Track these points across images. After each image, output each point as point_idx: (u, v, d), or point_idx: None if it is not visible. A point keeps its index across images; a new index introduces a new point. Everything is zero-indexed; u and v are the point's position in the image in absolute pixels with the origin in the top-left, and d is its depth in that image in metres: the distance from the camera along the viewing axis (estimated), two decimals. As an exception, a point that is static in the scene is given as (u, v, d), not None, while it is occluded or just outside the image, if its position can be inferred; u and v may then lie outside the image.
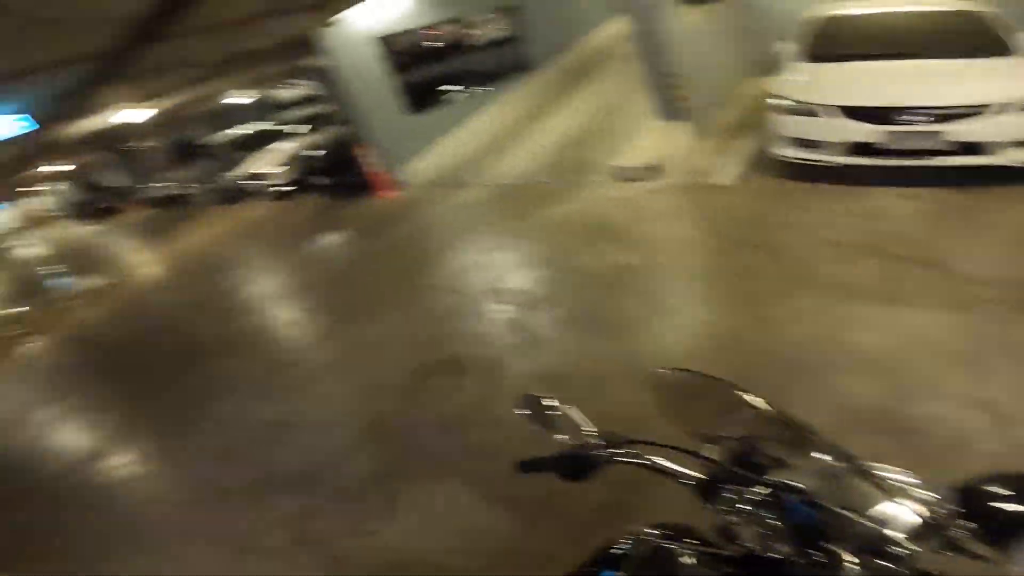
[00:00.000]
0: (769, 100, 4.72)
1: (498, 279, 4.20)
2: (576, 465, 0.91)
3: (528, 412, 1.03)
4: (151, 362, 5.00)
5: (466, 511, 2.37)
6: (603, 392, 2.73)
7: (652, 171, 5.30)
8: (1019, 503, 1.02)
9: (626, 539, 0.87)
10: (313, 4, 5.89)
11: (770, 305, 3.10)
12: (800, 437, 0.86)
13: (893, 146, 3.96)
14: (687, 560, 0.79)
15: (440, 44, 10.42)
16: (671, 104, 6.23)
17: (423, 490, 2.55)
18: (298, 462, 3.00)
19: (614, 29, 7.05)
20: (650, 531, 0.86)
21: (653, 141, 5.94)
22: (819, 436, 0.84)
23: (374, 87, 7.58)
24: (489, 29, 12.61)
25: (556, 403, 1.01)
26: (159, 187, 14.15)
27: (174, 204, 13.29)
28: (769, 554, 0.74)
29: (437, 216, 5.92)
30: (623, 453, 0.91)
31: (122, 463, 3.55)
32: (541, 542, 2.10)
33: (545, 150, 7.15)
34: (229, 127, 13.82)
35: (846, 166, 4.23)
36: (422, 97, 8.47)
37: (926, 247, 3.32)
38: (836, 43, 4.93)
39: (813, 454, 0.82)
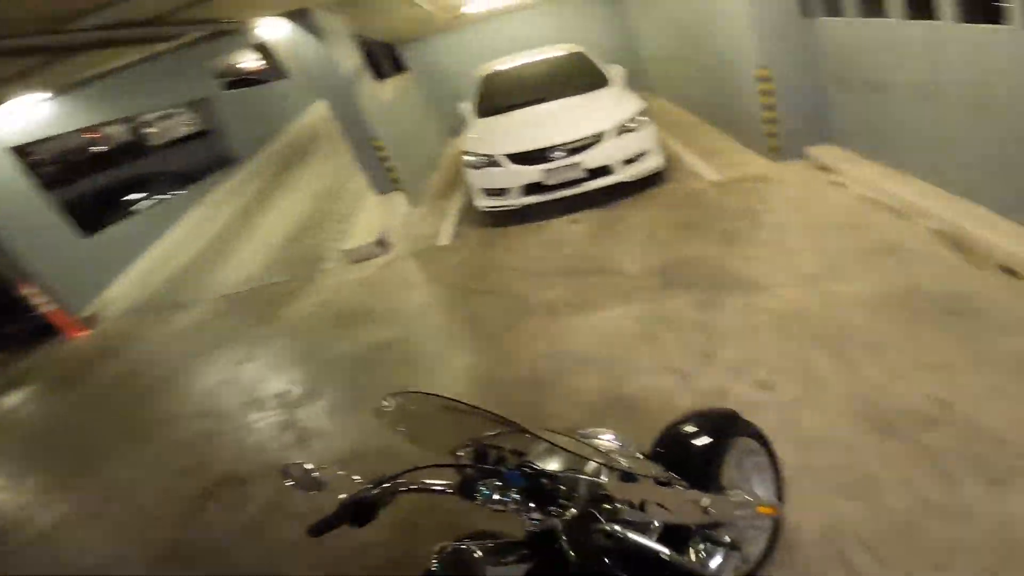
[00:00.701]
0: (462, 157, 5.42)
1: (254, 389, 3.86)
2: (359, 511, 1.02)
3: (293, 482, 1.11)
4: None
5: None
6: (395, 454, 2.74)
7: (381, 246, 5.56)
8: (698, 439, 1.43)
9: (434, 557, 0.92)
10: None
11: (506, 338, 3.58)
12: (517, 430, 1.01)
13: (552, 182, 4.93)
14: (485, 557, 0.90)
15: (110, 147, 9.12)
16: (383, 176, 6.65)
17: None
18: None
19: (321, 111, 7.17)
20: (454, 543, 0.93)
21: (375, 216, 6.24)
22: (528, 426, 0.98)
23: (20, 210, 6.00)
24: (174, 125, 11.38)
25: (313, 467, 1.10)
26: None
27: None
28: (533, 526, 0.96)
29: (156, 345, 5.08)
30: (391, 487, 1.05)
31: None
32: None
33: (270, 247, 6.82)
34: None
35: (528, 206, 5.14)
36: (96, 213, 7.14)
37: (595, 259, 4.27)
38: (496, 97, 5.78)
39: (531, 439, 1.00)
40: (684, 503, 0.86)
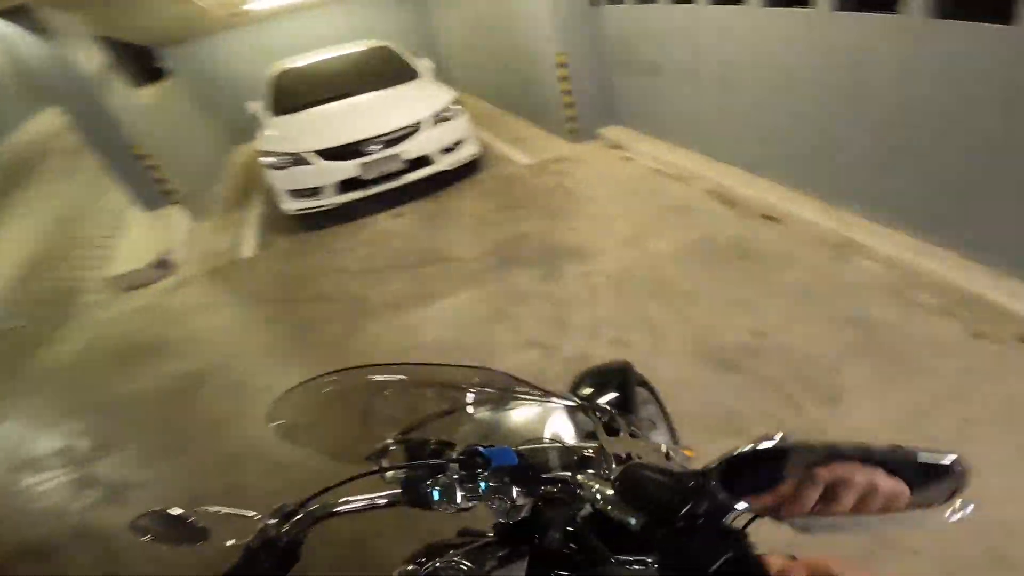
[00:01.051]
0: (259, 160, 4.78)
1: (19, 452, 2.90)
2: (270, 558, 0.72)
3: (152, 536, 0.77)
4: None
5: None
6: (242, 495, 2.26)
7: (162, 267, 4.61)
8: (608, 393, 1.40)
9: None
10: None
11: (350, 343, 3.24)
12: (452, 398, 0.88)
13: (370, 176, 4.65)
14: (460, 567, 0.73)
15: None
16: (151, 190, 5.54)
17: None
18: None
19: (46, 123, 5.60)
20: (419, 558, 0.78)
21: (147, 235, 5.16)
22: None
23: None
24: None
25: (181, 510, 0.76)
26: None
27: None
28: (509, 516, 0.75)
29: None
30: (304, 518, 0.76)
31: None
32: None
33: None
34: None
35: (345, 204, 4.77)
36: None
37: (428, 249, 4.15)
38: (296, 94, 5.29)
39: (468, 412, 0.86)
40: (652, 453, 0.83)
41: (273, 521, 0.75)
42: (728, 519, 0.54)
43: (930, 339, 2.33)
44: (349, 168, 4.61)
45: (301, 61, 5.83)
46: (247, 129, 6.49)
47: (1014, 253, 2.45)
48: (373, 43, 6.00)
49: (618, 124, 5.29)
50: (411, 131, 4.70)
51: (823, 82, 3.10)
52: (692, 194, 4.00)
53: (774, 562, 0.50)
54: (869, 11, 2.67)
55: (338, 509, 0.79)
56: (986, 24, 2.19)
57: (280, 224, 5.06)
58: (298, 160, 4.62)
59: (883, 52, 2.66)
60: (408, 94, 5.16)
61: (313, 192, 4.73)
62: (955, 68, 2.37)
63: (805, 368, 2.32)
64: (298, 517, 0.76)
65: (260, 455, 2.45)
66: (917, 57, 2.51)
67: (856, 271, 2.84)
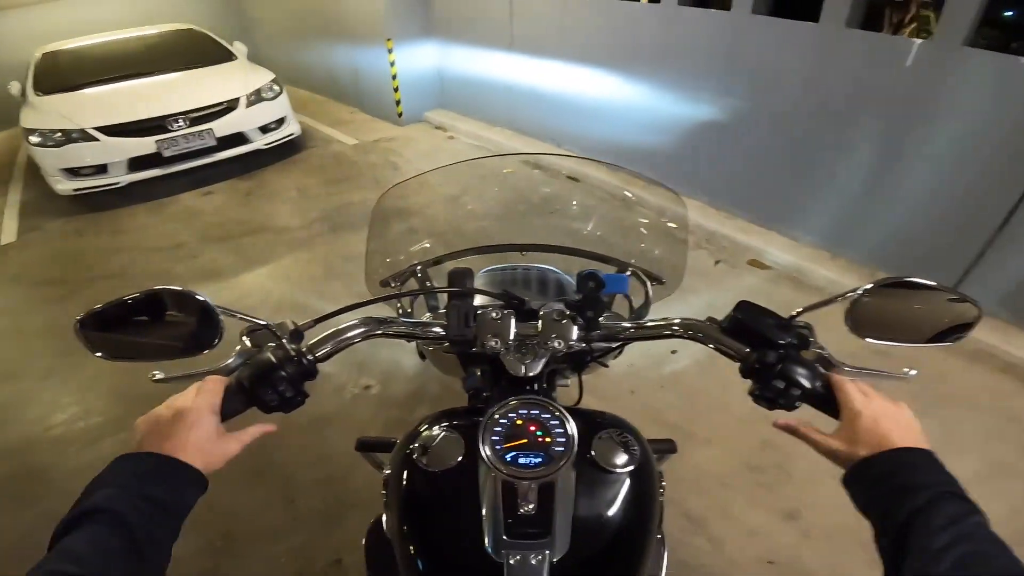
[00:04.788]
0: (28, 140, 4.10)
1: None
2: (291, 368, 0.67)
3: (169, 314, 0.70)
4: None
5: None
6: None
7: None
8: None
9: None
10: None
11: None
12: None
13: (171, 153, 4.26)
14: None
15: None
16: None
17: None
18: None
19: None
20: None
21: None
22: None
23: None
24: None
25: (205, 297, 0.68)
26: None
27: None
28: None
29: None
30: (325, 339, 0.73)
31: None
32: None
33: None
34: None
35: (143, 183, 4.26)
36: None
37: (248, 222, 3.90)
38: (74, 73, 4.77)
39: None
40: None
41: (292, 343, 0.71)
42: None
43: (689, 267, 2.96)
44: (144, 144, 4.18)
45: (81, 42, 5.25)
46: (5, 109, 5.43)
47: (764, 212, 3.25)
48: (177, 26, 5.64)
49: (443, 107, 5.56)
50: (225, 109, 4.50)
51: (626, 69, 3.70)
52: (507, 164, 4.40)
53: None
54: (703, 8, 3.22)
55: (378, 332, 0.77)
56: (798, 22, 2.73)
57: (55, 207, 4.30)
58: (79, 136, 4.09)
59: (713, 41, 3.13)
60: (222, 73, 4.93)
61: (97, 170, 4.17)
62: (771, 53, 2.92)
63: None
64: (326, 335, 0.74)
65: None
66: (742, 47, 3.01)
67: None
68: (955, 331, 0.67)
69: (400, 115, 5.46)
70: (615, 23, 3.62)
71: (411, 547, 0.68)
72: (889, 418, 0.60)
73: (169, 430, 0.59)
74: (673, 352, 2.43)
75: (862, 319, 0.67)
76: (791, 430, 0.67)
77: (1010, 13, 3.71)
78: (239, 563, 1.74)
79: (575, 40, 3.93)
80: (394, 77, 5.24)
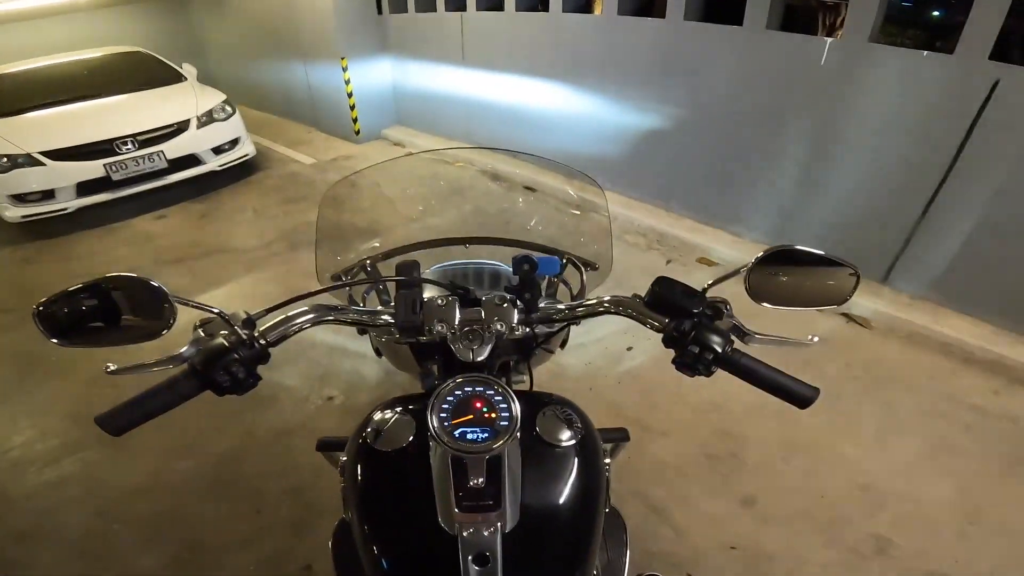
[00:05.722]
0: None
1: None
2: (244, 350, 0.68)
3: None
4: None
5: None
6: None
7: None
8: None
9: None
10: None
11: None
12: None
13: (121, 177, 4.17)
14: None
15: None
16: None
17: None
18: None
19: None
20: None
21: None
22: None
23: None
24: None
25: (159, 284, 0.70)
26: None
27: None
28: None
29: None
30: (280, 324, 0.73)
31: None
32: None
33: None
34: None
35: (92, 208, 4.16)
36: None
37: (204, 243, 3.83)
38: (12, 98, 4.62)
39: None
40: None
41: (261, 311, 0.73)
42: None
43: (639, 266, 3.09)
44: (92, 168, 4.08)
45: (24, 66, 5.11)
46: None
47: (709, 212, 3.39)
48: (123, 48, 5.54)
49: (400, 124, 5.61)
50: (175, 131, 4.43)
51: (573, 80, 3.82)
52: (466, 175, 4.47)
53: None
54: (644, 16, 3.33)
55: (326, 319, 0.79)
56: (725, 26, 2.90)
57: (1, 235, 4.16)
58: (20, 162, 3.98)
59: (650, 49, 3.29)
60: (172, 96, 4.85)
61: (44, 196, 4.05)
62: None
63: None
64: (277, 320, 0.74)
65: None
66: (677, 54, 3.17)
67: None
68: (840, 293, 0.75)
69: (358, 133, 5.48)
70: (560, 37, 3.76)
71: (366, 527, 0.71)
72: None
73: None
74: (629, 349, 2.51)
75: (760, 287, 0.74)
76: None
77: (937, 13, 4.01)
78: (207, 574, 1.71)
79: (523, 54, 4.06)
80: (350, 95, 5.28)
